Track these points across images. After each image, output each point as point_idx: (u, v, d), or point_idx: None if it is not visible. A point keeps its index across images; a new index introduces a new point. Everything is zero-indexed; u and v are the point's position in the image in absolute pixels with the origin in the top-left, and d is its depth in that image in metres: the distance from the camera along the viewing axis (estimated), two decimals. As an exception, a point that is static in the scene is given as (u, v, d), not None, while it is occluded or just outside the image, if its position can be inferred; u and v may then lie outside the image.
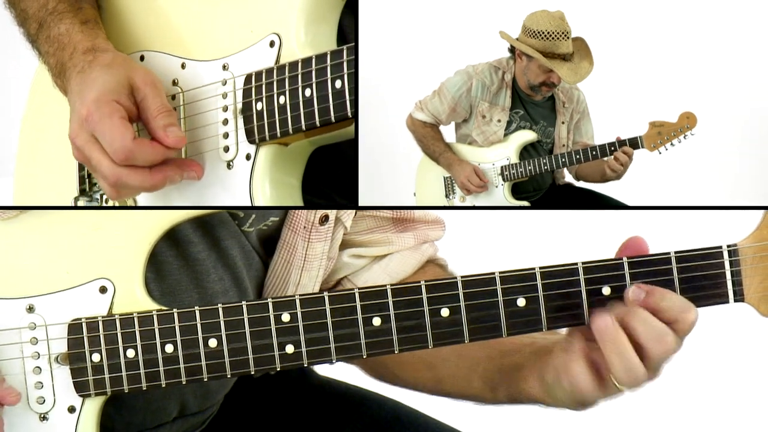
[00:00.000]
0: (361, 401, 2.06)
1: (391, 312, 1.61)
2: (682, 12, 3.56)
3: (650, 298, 1.59)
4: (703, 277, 1.61)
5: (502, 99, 3.01)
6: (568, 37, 2.87)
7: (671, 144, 2.88)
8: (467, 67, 3.04)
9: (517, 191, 3.06)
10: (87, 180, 1.92)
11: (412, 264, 1.99)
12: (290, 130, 1.71)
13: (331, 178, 1.88)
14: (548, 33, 2.86)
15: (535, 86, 2.99)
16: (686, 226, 3.45)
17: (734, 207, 4.31)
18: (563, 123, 3.06)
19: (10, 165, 2.09)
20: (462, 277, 1.62)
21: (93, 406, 1.62)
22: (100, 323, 1.61)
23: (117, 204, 1.84)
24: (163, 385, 1.61)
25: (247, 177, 1.74)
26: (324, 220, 1.86)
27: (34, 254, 1.63)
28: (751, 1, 3.54)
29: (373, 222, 1.96)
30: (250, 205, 1.74)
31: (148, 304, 1.62)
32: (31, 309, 1.61)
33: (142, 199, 1.83)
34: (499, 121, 3.02)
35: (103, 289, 1.62)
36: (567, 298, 1.62)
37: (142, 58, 1.87)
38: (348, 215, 1.90)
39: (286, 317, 1.61)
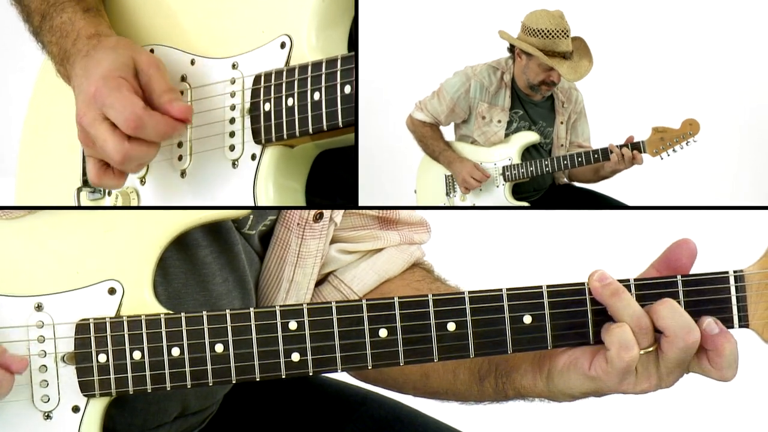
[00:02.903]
0: (362, 401, 2.07)
1: (398, 324, 1.62)
2: (687, 16, 3.56)
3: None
4: (708, 302, 1.63)
5: (501, 99, 3.02)
6: (567, 36, 2.88)
7: (673, 150, 2.89)
8: (465, 68, 3.05)
9: (517, 191, 3.07)
10: None
11: (400, 264, 1.99)
12: (297, 133, 1.71)
13: (335, 182, 1.89)
14: (548, 31, 2.87)
15: (534, 85, 3.00)
16: (686, 226, 3.46)
17: (734, 207, 4.33)
18: (561, 123, 3.06)
19: (11, 164, 2.09)
20: (469, 292, 1.63)
21: (97, 407, 1.62)
22: (108, 324, 1.61)
23: (121, 204, 1.85)
24: (168, 389, 1.61)
25: (252, 177, 1.74)
26: (318, 217, 1.86)
27: (44, 253, 1.63)
28: (755, 7, 3.55)
29: (359, 221, 1.96)
30: (252, 205, 1.75)
31: (156, 307, 1.63)
32: (39, 307, 1.62)
33: (147, 199, 1.84)
34: (499, 121, 3.03)
35: (111, 291, 1.63)
36: (573, 317, 1.63)
37: (151, 51, 1.87)
38: (339, 212, 1.91)
39: (293, 325, 1.62)
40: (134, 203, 1.85)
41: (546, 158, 3.03)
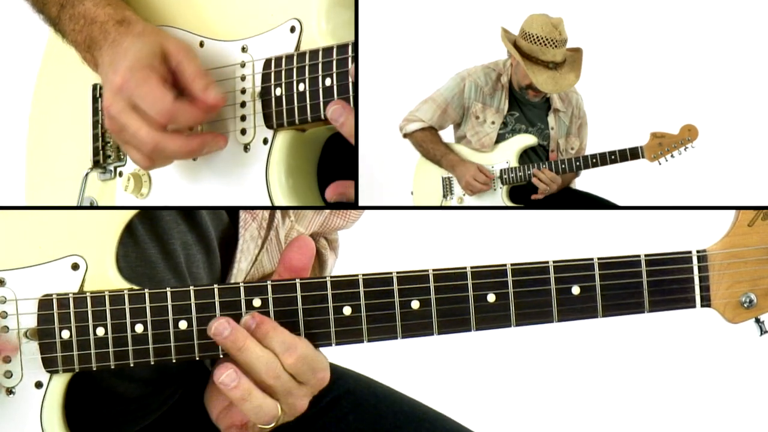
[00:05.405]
0: (339, 376, 2.03)
1: (362, 302, 1.62)
2: (687, 22, 3.56)
3: (258, 330, 1.61)
4: (671, 281, 1.63)
5: (497, 101, 3.01)
6: (556, 46, 2.85)
7: (671, 156, 2.88)
8: (460, 71, 3.04)
9: (514, 195, 3.06)
10: (101, 151, 1.92)
11: (318, 221, 2.02)
12: (309, 118, 1.72)
13: (345, 163, 1.88)
14: (537, 37, 2.85)
15: (522, 88, 2.99)
16: (682, 226, 3.45)
17: (732, 207, 4.31)
18: (560, 126, 3.06)
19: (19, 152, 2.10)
20: (434, 270, 1.63)
21: (60, 383, 1.62)
22: (71, 300, 1.61)
23: (133, 186, 1.85)
24: (132, 365, 1.61)
25: (264, 162, 1.75)
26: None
27: (6, 229, 1.63)
28: (755, 14, 3.54)
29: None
30: (265, 188, 1.75)
31: (120, 283, 1.63)
32: (1, 282, 1.61)
33: (159, 182, 1.85)
34: (492, 122, 3.02)
35: (75, 266, 1.62)
36: (537, 295, 1.63)
37: None
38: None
39: (257, 302, 1.62)
40: (146, 186, 1.85)
41: (544, 162, 3.02)
